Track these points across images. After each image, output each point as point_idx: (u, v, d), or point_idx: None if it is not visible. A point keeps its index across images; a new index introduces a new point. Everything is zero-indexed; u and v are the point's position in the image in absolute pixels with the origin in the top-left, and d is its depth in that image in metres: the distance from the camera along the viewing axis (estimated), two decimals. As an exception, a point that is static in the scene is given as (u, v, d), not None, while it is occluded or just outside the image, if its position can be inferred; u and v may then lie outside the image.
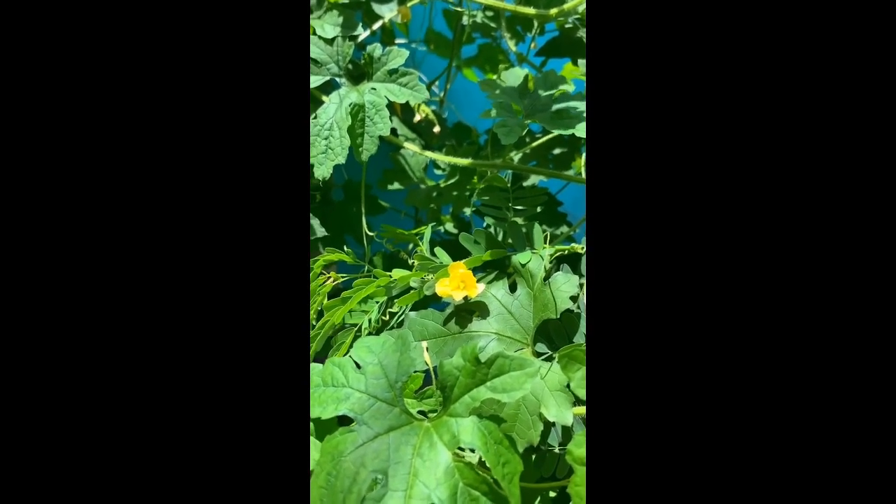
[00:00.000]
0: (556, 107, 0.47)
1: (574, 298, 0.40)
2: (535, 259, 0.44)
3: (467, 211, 0.71)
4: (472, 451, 0.35)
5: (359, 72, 0.52)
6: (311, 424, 0.36)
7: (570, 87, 0.50)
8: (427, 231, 0.54)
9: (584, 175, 0.53)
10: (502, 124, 0.45)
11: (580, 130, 0.43)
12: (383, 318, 0.50)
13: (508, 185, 0.56)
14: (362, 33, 0.54)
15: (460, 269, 0.43)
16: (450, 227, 0.83)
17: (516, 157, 0.62)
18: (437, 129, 0.77)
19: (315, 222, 0.65)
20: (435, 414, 0.34)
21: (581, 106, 0.46)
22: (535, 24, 0.68)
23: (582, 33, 0.63)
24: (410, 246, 0.63)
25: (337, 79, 0.51)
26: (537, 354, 0.42)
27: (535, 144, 0.61)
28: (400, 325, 0.49)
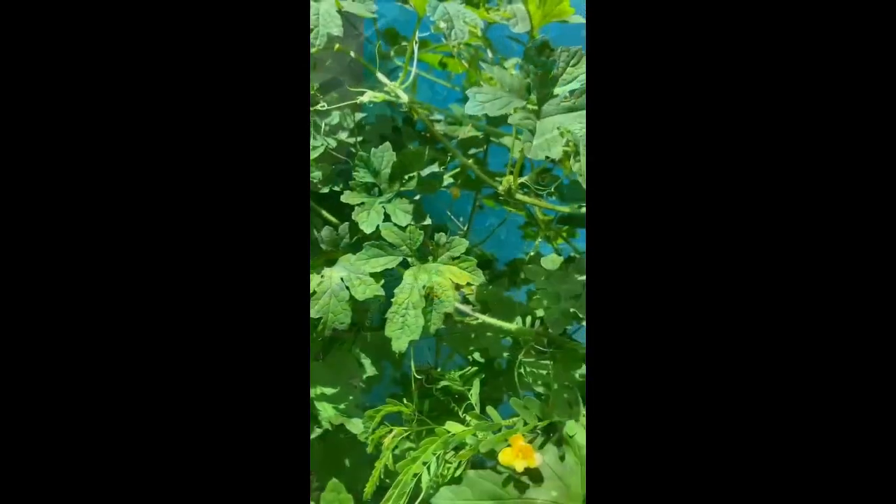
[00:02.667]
0: None
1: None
2: (580, 431, 0.52)
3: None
4: None
5: (425, 252, 0.62)
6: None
7: None
8: (475, 387, 0.63)
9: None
10: (551, 313, 0.55)
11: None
12: (442, 473, 0.57)
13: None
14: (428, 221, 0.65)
15: (521, 441, 0.50)
16: (477, 356, 0.91)
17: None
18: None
19: (366, 362, 0.73)
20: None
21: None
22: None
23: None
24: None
25: (408, 258, 0.61)
26: (586, 519, 0.49)
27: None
28: (457, 479, 0.56)
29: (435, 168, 0.82)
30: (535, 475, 0.51)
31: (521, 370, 0.69)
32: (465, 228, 1.06)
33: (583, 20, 0.72)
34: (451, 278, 0.59)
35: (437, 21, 0.58)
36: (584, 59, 0.55)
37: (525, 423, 0.54)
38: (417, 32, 0.69)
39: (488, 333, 0.79)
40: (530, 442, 0.54)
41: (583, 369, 0.73)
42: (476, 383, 0.62)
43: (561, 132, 0.51)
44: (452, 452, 0.58)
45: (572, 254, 0.72)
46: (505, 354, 0.73)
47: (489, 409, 0.58)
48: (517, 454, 0.50)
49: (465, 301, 0.82)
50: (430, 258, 0.61)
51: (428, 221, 0.63)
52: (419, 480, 0.57)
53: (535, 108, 0.53)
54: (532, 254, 0.75)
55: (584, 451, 0.51)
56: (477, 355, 0.88)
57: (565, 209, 0.64)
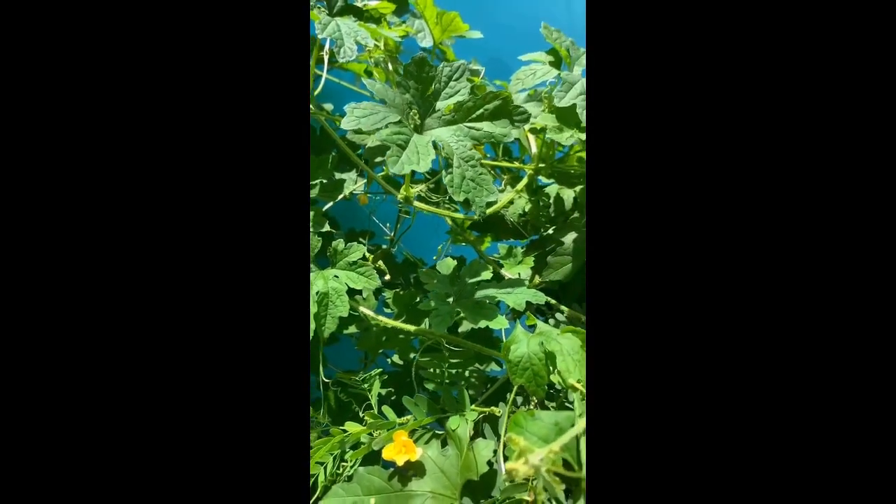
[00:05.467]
0: (477, 296, 0.61)
1: (490, 463, 0.52)
2: (462, 425, 0.55)
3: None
4: None
5: (324, 258, 0.65)
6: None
7: (488, 275, 0.64)
8: (375, 388, 0.65)
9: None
10: (436, 313, 0.58)
11: (499, 322, 0.57)
12: (337, 471, 0.59)
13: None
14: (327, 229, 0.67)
15: (403, 436, 0.53)
16: (396, 358, 0.94)
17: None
18: (387, 276, 0.90)
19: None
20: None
21: (498, 296, 0.60)
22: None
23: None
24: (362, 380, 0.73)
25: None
26: (463, 507, 0.52)
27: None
28: (350, 477, 0.58)
29: (352, 175, 0.85)
30: (418, 468, 0.54)
31: (434, 370, 0.71)
32: (393, 234, 1.09)
33: (479, 35, 0.76)
34: (347, 283, 0.61)
35: (328, 37, 0.60)
36: (466, 73, 0.59)
37: (415, 419, 0.57)
38: (328, 43, 0.71)
39: (400, 336, 0.82)
40: (418, 438, 0.57)
41: (493, 366, 0.77)
42: (376, 384, 0.65)
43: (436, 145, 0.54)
44: (350, 451, 0.60)
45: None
46: (412, 356, 0.75)
47: (385, 408, 0.61)
48: (399, 449, 0.53)
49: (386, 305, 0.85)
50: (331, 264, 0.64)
51: (326, 228, 0.65)
52: (316, 480, 0.59)
53: (418, 122, 0.56)
54: (435, 257, 0.79)
55: (464, 444, 0.54)
56: (396, 358, 0.91)
57: (460, 216, 0.67)
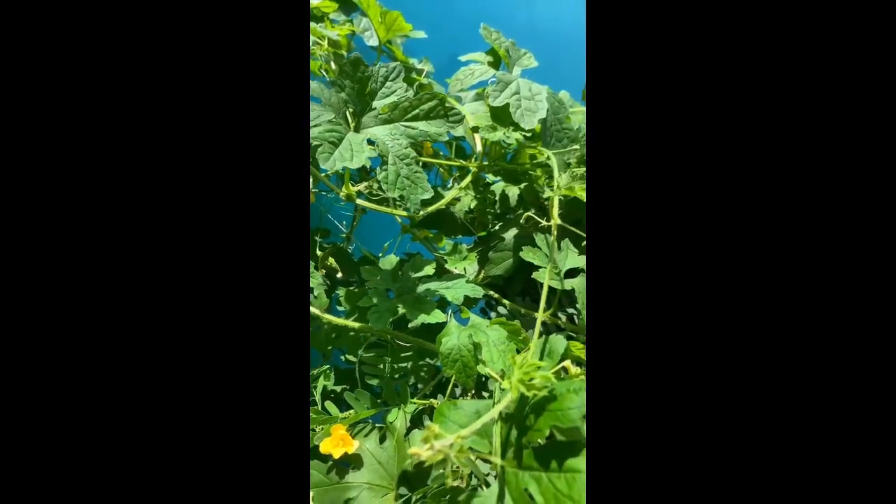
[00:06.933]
0: (419, 290, 0.62)
1: (425, 453, 0.53)
2: (399, 417, 0.56)
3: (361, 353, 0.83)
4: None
5: None
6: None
7: (430, 271, 0.65)
8: (320, 383, 0.66)
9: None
10: (375, 309, 0.59)
11: (436, 316, 0.58)
12: None
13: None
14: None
15: (340, 430, 0.54)
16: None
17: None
18: (339, 274, 0.91)
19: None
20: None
21: (440, 290, 0.62)
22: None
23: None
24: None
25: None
26: (399, 497, 0.53)
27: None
28: None
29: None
30: (356, 461, 0.55)
31: (381, 365, 0.72)
32: (349, 232, 1.09)
33: (423, 35, 0.77)
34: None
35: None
36: (402, 74, 0.60)
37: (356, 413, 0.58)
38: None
39: (350, 333, 0.82)
40: (358, 432, 0.58)
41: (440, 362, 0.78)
42: (320, 380, 0.65)
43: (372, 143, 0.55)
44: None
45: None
46: (361, 352, 0.76)
47: (327, 404, 0.61)
48: (336, 443, 0.53)
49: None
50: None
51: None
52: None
53: (355, 120, 0.57)
54: (381, 254, 0.80)
55: (401, 436, 0.56)
56: (351, 355, 0.92)
57: (402, 213, 0.68)
